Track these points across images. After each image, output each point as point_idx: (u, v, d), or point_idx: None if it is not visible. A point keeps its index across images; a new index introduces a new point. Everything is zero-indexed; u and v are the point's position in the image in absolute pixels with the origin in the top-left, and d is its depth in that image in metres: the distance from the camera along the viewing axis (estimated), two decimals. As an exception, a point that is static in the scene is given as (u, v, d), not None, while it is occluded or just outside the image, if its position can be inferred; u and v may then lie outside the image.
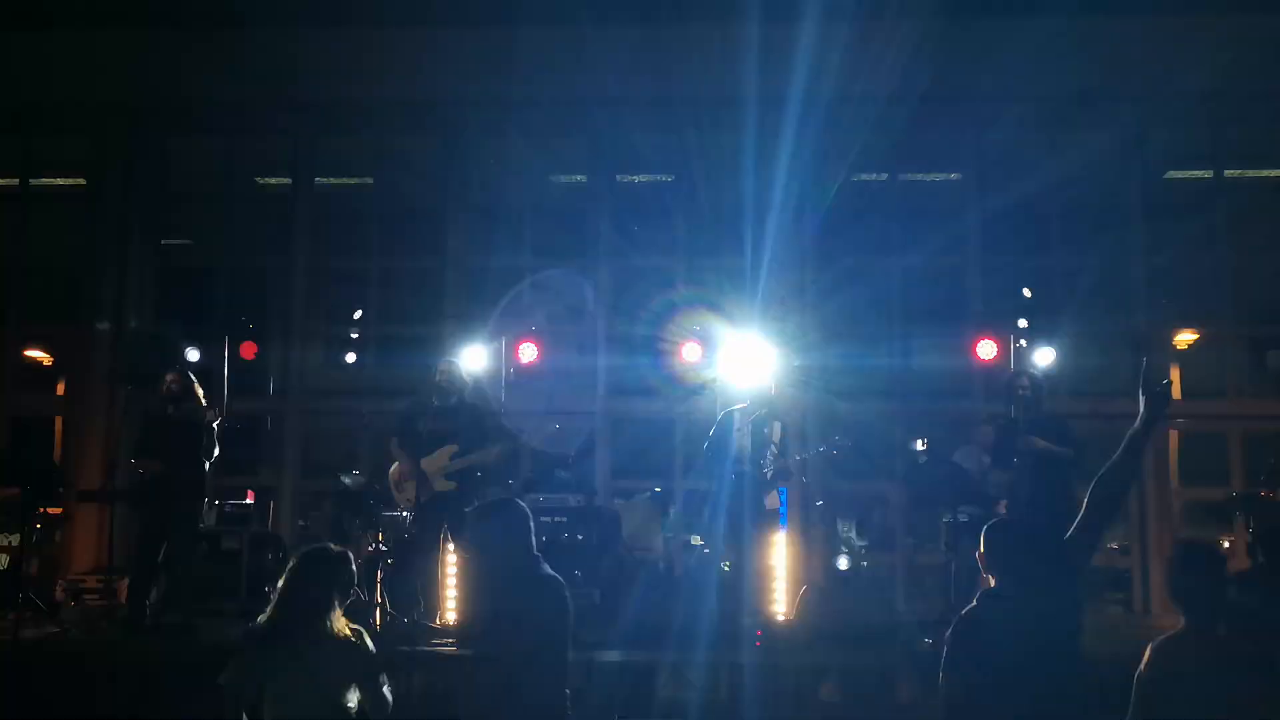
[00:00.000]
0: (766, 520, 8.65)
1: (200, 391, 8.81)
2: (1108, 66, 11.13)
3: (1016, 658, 3.87)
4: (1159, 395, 4.02)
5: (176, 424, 8.55)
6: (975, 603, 4.17)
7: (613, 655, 7.51)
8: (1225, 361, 11.62)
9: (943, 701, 4.11)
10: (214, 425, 8.58)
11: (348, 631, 4.51)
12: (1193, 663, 3.87)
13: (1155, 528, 10.93)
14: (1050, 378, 9.24)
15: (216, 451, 8.74)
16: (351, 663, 4.41)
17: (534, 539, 4.54)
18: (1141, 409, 4.00)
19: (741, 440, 8.62)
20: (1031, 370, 8.83)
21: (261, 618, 4.51)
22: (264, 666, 4.38)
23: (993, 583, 4.20)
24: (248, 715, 4.41)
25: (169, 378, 8.72)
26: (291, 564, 4.66)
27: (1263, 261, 11.90)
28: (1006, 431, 8.52)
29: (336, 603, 4.50)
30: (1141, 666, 3.99)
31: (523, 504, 4.66)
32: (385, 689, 4.49)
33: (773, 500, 8.67)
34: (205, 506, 8.98)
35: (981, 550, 4.22)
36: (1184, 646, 3.96)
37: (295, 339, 11.88)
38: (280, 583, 4.53)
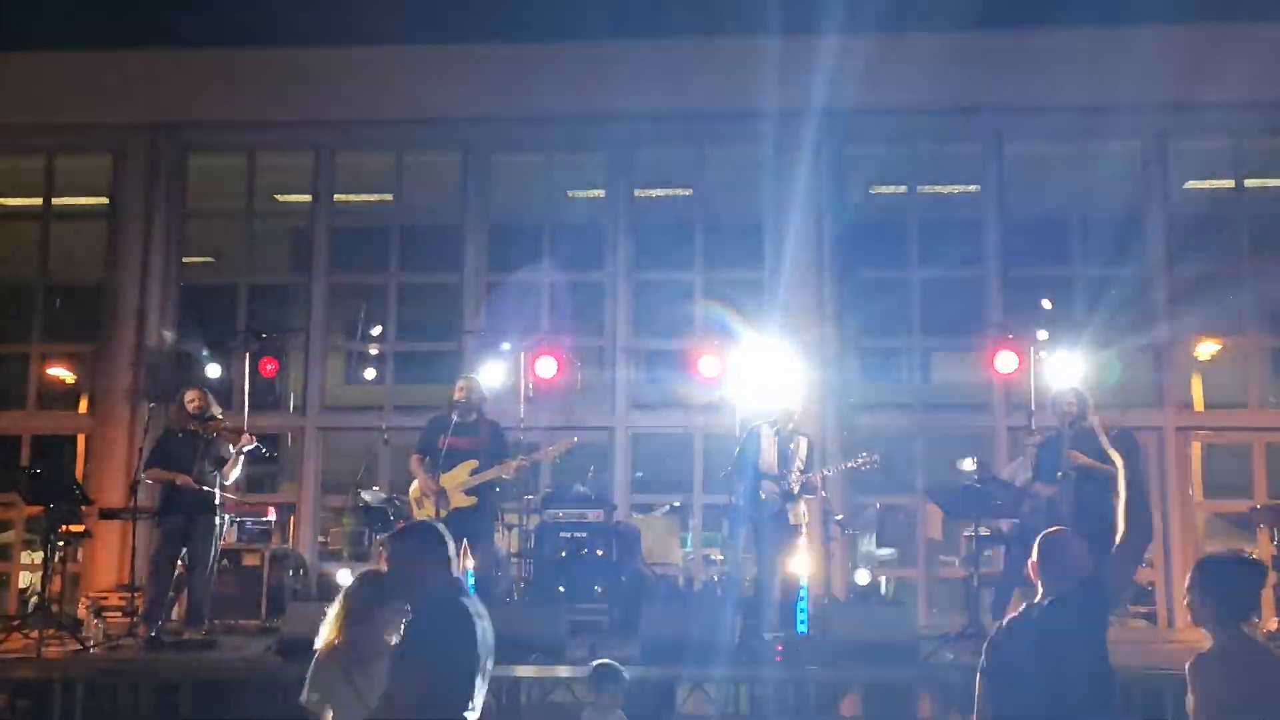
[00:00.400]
0: (790, 534, 8.63)
1: (218, 410, 8.86)
2: (1128, 77, 11.09)
3: (1059, 672, 3.83)
4: (1121, 440, 4.11)
5: (199, 440, 8.59)
6: (1018, 613, 4.11)
7: (632, 670, 7.48)
8: (1248, 373, 11.54)
9: (978, 714, 4.07)
10: (243, 450, 8.60)
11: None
12: (1236, 678, 3.80)
13: (1178, 540, 10.87)
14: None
15: (238, 473, 8.78)
16: None
17: (452, 564, 4.26)
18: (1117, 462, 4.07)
19: (768, 455, 8.62)
20: (1076, 385, 8.76)
21: (320, 640, 4.52)
22: (334, 684, 4.39)
23: (1040, 593, 4.14)
24: None
25: (190, 394, 8.77)
26: (348, 588, 4.66)
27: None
28: (1050, 446, 8.47)
29: (397, 622, 4.51)
30: (1188, 692, 3.89)
31: (441, 527, 4.36)
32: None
33: (797, 515, 8.65)
34: (224, 523, 8.98)
35: (1035, 560, 4.15)
36: (1221, 662, 3.86)
37: (315, 355, 11.93)
38: (337, 607, 4.55)
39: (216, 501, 8.54)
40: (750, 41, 11.37)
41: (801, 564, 8.74)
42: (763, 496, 8.55)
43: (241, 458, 8.65)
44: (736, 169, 12.64)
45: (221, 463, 8.56)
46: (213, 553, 8.58)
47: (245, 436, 8.67)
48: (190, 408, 8.69)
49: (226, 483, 8.67)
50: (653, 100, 11.53)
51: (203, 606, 8.54)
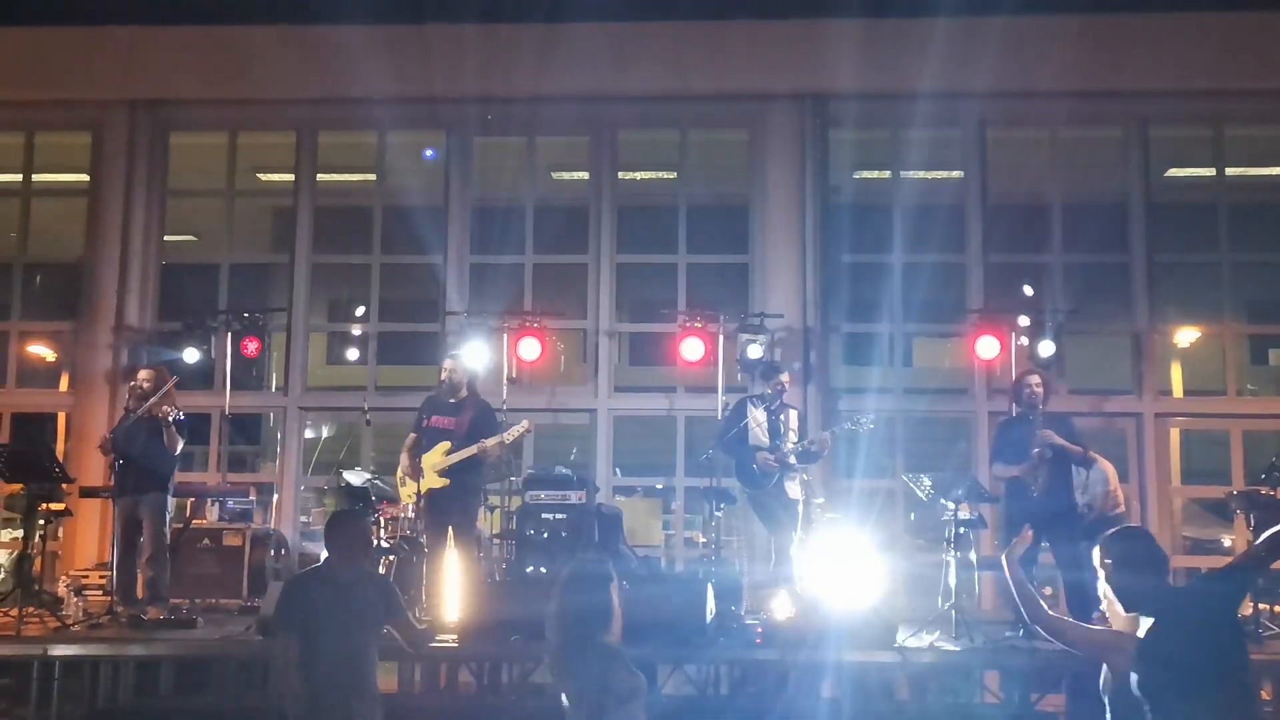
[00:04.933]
0: (791, 510, 8.62)
1: (173, 389, 8.51)
2: (1111, 64, 11.11)
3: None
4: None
5: (142, 418, 8.30)
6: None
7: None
8: (1226, 360, 11.62)
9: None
10: (169, 421, 8.26)
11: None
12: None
13: (1156, 525, 10.93)
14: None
15: (181, 446, 8.48)
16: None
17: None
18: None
19: (758, 428, 8.60)
20: (1041, 368, 8.78)
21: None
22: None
23: (1114, 605, 3.82)
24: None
25: (142, 373, 8.57)
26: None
27: (1264, 260, 11.89)
28: (1012, 428, 8.49)
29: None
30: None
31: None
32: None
33: (794, 489, 8.64)
34: (172, 501, 8.78)
35: (1108, 560, 3.87)
36: None
37: (297, 335, 11.88)
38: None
39: (163, 480, 8.33)
40: (735, 25, 11.37)
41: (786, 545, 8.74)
42: (756, 469, 8.55)
43: (173, 429, 8.29)
44: (721, 153, 12.64)
45: (163, 439, 8.32)
46: (166, 531, 8.43)
47: (167, 407, 8.32)
48: (136, 387, 8.47)
49: (173, 454, 8.43)
50: (637, 83, 11.52)
51: (160, 585, 8.27)
